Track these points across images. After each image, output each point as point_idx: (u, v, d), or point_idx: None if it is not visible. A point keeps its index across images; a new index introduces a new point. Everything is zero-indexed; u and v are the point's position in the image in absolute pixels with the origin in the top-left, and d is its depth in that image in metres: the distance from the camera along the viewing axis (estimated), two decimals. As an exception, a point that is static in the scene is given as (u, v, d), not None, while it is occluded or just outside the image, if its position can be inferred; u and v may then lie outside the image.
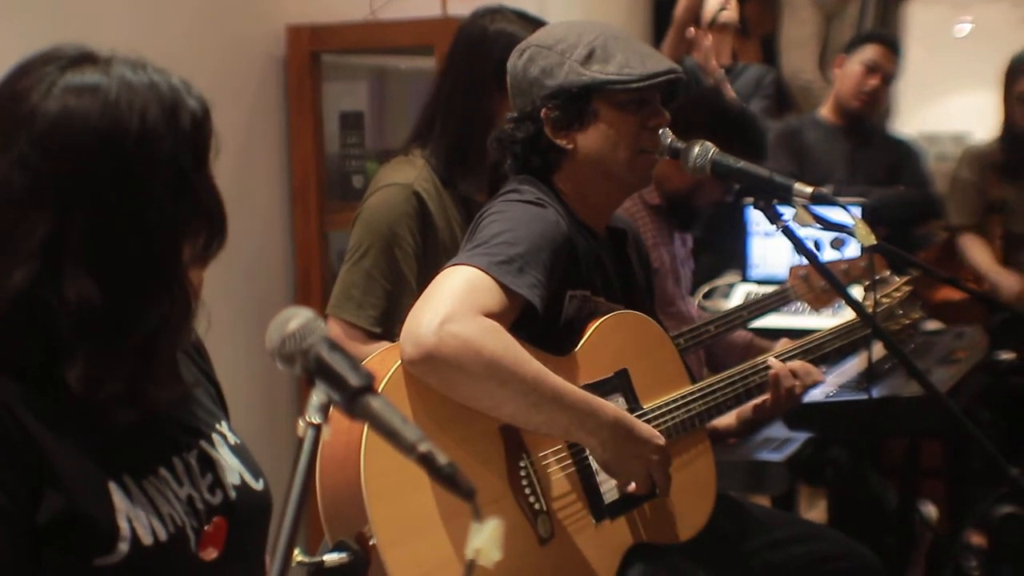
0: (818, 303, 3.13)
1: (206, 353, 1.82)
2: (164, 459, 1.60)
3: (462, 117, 2.90)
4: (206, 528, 1.60)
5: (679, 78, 2.39)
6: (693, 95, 3.48)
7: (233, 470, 1.68)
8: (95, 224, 1.45)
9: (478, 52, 2.89)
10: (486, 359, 2.04)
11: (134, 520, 1.51)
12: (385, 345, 2.81)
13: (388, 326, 2.88)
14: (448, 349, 2.02)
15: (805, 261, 3.09)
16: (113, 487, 1.51)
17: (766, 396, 2.54)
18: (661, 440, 2.27)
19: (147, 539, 1.51)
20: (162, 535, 1.53)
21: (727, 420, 2.62)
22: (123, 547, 1.49)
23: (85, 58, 1.51)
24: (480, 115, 2.86)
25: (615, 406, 2.25)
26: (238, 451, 1.72)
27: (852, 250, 3.25)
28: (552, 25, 2.50)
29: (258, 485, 1.71)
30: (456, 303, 2.06)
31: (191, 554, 1.57)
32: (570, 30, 2.42)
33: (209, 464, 1.65)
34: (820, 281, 3.08)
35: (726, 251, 4.17)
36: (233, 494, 1.65)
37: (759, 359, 2.55)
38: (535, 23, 2.86)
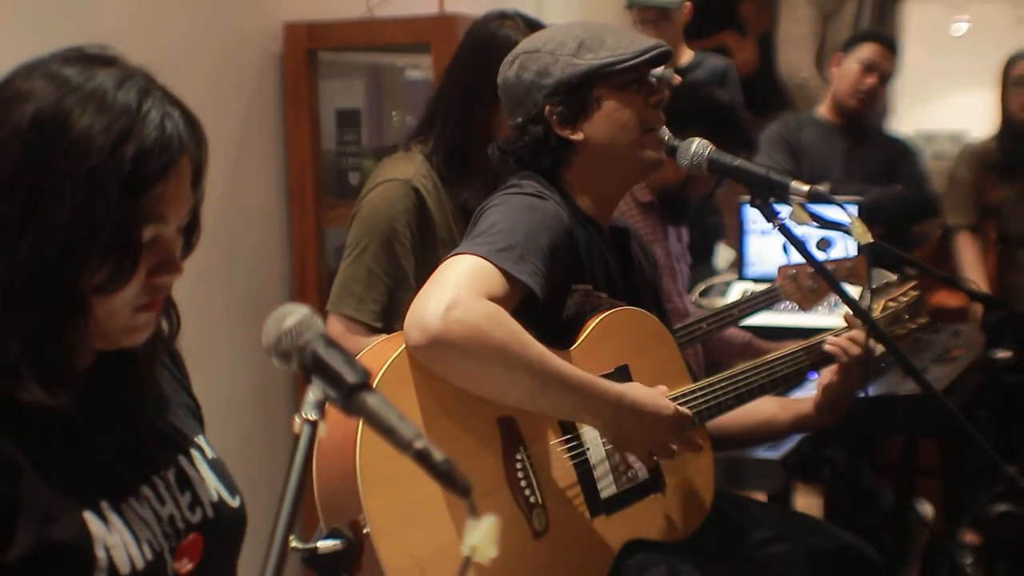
0: (806, 303, 3.15)
1: (183, 365, 1.80)
2: (145, 478, 1.59)
3: (462, 120, 2.92)
4: (182, 543, 1.59)
5: (667, 52, 2.44)
6: (681, 87, 3.48)
7: (210, 487, 1.67)
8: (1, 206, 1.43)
9: (482, 56, 2.89)
10: (493, 344, 2.05)
11: (112, 549, 1.49)
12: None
13: (388, 320, 2.89)
14: (455, 334, 2.03)
15: (794, 260, 3.11)
16: (89, 516, 1.49)
17: (830, 378, 2.53)
18: (668, 410, 2.28)
19: (124, 568, 1.50)
20: (139, 563, 1.51)
21: (805, 407, 2.61)
22: None
23: (90, 57, 1.50)
24: (479, 120, 2.88)
25: (620, 385, 2.25)
26: (215, 466, 1.71)
27: (839, 251, 3.27)
28: (534, 34, 2.53)
29: (234, 502, 1.70)
30: (460, 289, 2.08)
31: None
32: (555, 32, 2.47)
33: (187, 482, 1.64)
34: (808, 281, 3.10)
35: (693, 250, 4.13)
36: (211, 512, 1.65)
37: (759, 360, 2.55)
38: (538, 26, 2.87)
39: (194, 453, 1.68)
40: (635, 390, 2.27)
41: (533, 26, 2.90)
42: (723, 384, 2.47)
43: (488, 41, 2.91)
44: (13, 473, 1.45)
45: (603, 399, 2.21)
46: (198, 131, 1.53)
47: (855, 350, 2.51)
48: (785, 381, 2.57)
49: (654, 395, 2.29)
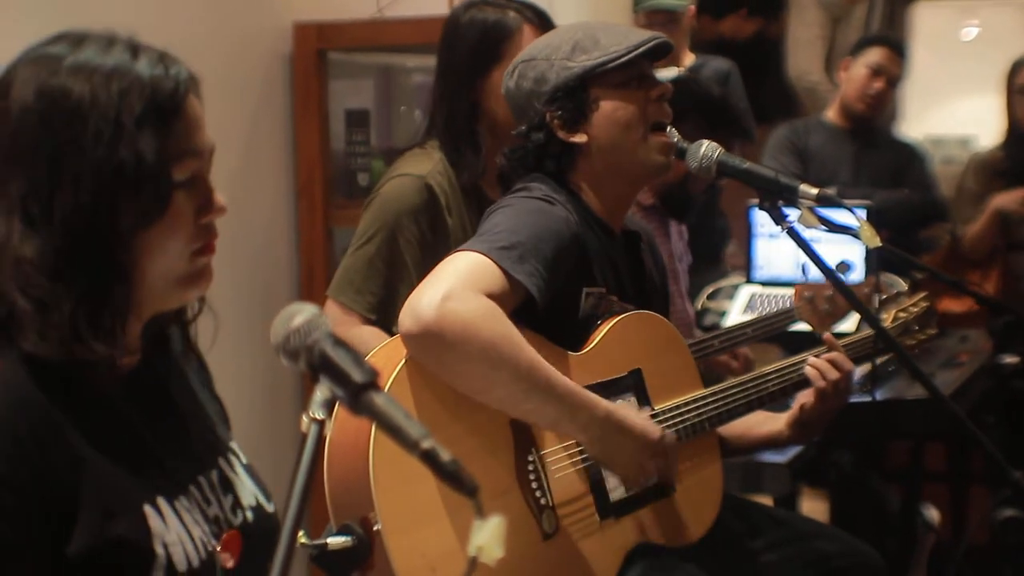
0: (821, 326, 3.14)
1: (207, 368, 1.80)
2: (192, 478, 1.59)
3: (447, 106, 2.96)
4: (224, 536, 1.59)
5: (664, 43, 2.41)
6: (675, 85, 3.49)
7: (249, 492, 1.67)
8: (28, 181, 1.45)
9: (452, 43, 2.99)
10: (483, 339, 2.05)
11: (170, 545, 1.49)
12: (378, 331, 2.83)
13: (384, 313, 2.91)
14: (447, 325, 2.03)
15: (810, 280, 3.11)
16: (149, 511, 1.49)
17: (807, 398, 2.52)
18: (655, 434, 2.26)
19: (181, 565, 1.50)
20: (195, 561, 1.52)
21: (776, 426, 2.60)
22: (159, 574, 1.48)
23: (73, 35, 1.54)
24: (462, 100, 2.93)
25: (609, 403, 2.24)
26: (250, 471, 1.71)
27: (856, 275, 3.27)
28: (534, 41, 2.55)
29: (270, 508, 1.70)
30: (458, 282, 2.08)
31: None
32: (551, 37, 2.48)
33: (228, 484, 1.64)
34: (824, 304, 3.10)
35: (700, 253, 4.13)
36: (251, 516, 1.65)
37: (771, 367, 2.54)
38: (515, 3, 2.94)
39: (231, 457, 1.69)
40: (624, 409, 2.26)
41: (504, 2, 2.96)
42: (734, 390, 2.46)
43: (454, 27, 2.99)
44: (77, 467, 1.45)
45: (590, 413, 2.19)
46: (193, 74, 1.55)
47: (833, 374, 2.48)
48: (795, 389, 2.56)
49: (643, 418, 2.28)
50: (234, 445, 1.73)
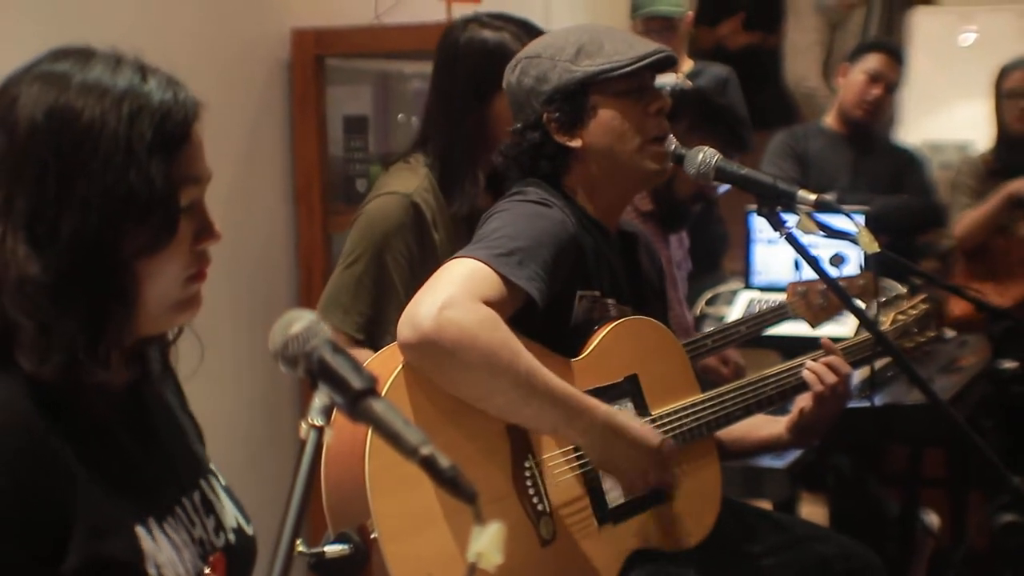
0: (815, 321, 3.14)
1: (181, 388, 1.79)
2: (178, 499, 1.59)
3: (447, 127, 2.91)
4: (210, 559, 1.59)
5: (669, 56, 2.41)
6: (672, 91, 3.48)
7: (230, 514, 1.67)
8: (35, 201, 1.44)
9: (451, 64, 2.92)
10: (482, 347, 2.05)
11: (161, 567, 1.49)
12: (368, 352, 2.82)
13: (372, 333, 2.88)
14: (445, 334, 2.03)
15: (803, 277, 3.11)
16: (141, 531, 1.49)
17: (806, 402, 2.51)
18: (655, 442, 2.26)
19: None
20: None
21: (775, 430, 2.60)
22: None
23: (77, 51, 1.52)
24: (464, 125, 2.87)
25: (608, 407, 2.24)
26: (229, 493, 1.71)
27: (851, 269, 3.26)
28: (541, 36, 2.54)
29: (250, 530, 1.69)
30: (456, 290, 2.08)
31: None
32: (557, 36, 2.46)
33: (210, 506, 1.64)
34: (818, 299, 3.09)
35: (699, 259, 4.13)
36: (232, 538, 1.64)
37: (769, 371, 2.54)
38: (512, 22, 2.90)
39: (211, 478, 1.68)
40: (624, 415, 2.26)
41: (499, 20, 2.92)
42: (732, 395, 2.46)
43: (452, 48, 2.92)
44: (69, 483, 1.44)
45: (591, 417, 2.19)
46: (198, 100, 1.55)
47: (831, 378, 2.48)
48: (793, 393, 2.56)
49: (642, 424, 2.28)
50: (213, 466, 1.72)
